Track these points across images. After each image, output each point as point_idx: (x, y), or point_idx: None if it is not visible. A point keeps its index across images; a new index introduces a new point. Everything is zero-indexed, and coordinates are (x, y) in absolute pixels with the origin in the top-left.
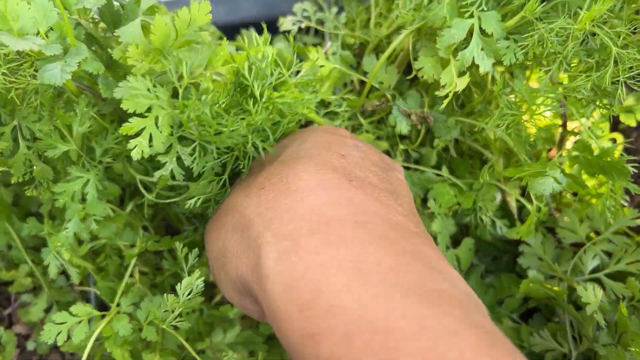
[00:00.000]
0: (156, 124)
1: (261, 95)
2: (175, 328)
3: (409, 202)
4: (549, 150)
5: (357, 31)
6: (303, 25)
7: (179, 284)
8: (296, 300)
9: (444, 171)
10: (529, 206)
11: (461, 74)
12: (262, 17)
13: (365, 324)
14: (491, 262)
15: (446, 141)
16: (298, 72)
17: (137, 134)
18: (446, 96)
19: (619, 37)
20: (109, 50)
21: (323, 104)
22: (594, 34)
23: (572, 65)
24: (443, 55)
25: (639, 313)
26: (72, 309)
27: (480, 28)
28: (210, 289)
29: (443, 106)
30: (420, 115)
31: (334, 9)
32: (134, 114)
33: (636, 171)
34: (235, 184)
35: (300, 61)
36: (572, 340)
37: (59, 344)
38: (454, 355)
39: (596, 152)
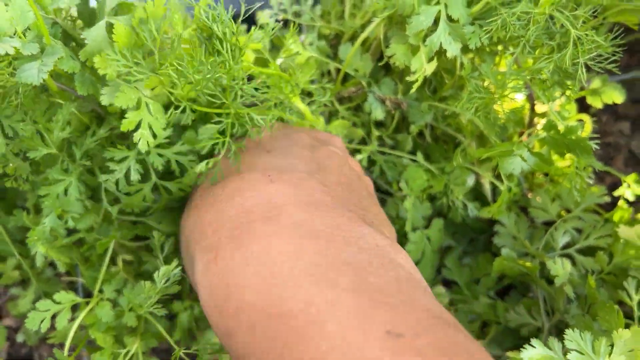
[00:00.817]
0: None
1: (224, 35)
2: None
3: (340, 173)
4: (521, 133)
5: (333, 23)
6: (280, 18)
7: (156, 271)
8: (216, 305)
9: (419, 156)
10: (500, 186)
11: (430, 59)
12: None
13: (263, 314)
14: (468, 244)
15: (421, 126)
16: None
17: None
18: (416, 81)
19: (579, 20)
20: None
21: (303, 92)
22: (553, 18)
23: (537, 48)
24: (413, 42)
25: (608, 285)
26: (56, 296)
27: (447, 14)
28: None
29: (413, 90)
30: (394, 101)
31: (310, 1)
32: (122, 111)
33: (598, 148)
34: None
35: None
36: (544, 314)
37: (42, 330)
38: (333, 327)
39: (562, 131)
